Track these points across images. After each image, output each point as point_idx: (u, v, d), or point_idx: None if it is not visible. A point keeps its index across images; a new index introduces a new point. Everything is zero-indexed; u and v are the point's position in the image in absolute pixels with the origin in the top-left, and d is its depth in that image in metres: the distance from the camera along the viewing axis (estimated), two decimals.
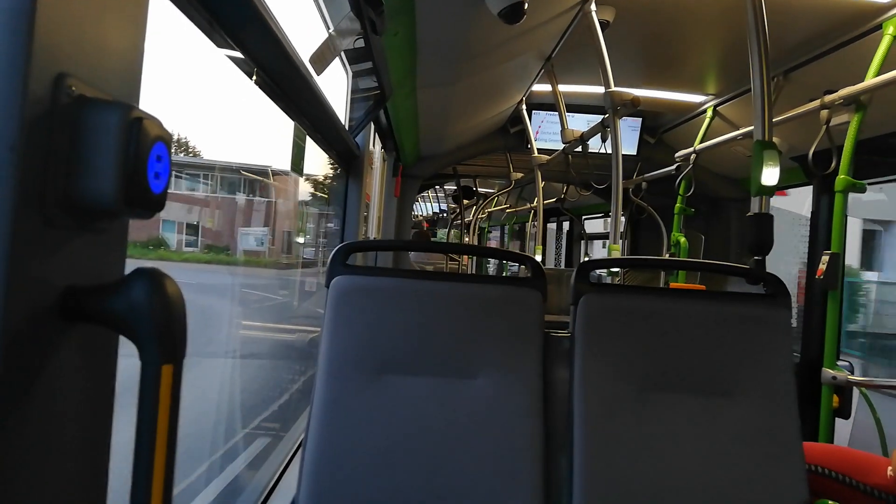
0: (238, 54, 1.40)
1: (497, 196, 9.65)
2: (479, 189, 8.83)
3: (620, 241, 3.08)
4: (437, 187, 10.64)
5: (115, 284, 0.51)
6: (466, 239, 9.67)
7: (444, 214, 13.83)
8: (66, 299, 0.50)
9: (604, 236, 10.33)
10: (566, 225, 10.18)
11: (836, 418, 2.79)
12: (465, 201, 9.70)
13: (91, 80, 0.51)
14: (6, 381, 0.44)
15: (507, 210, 10.68)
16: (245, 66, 1.50)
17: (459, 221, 9.77)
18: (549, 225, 10.20)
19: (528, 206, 9.98)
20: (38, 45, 0.45)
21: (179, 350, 0.52)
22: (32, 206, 0.46)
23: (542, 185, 5.24)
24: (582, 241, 9.41)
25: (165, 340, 0.50)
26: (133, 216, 0.54)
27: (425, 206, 16.21)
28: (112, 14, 0.54)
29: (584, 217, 9.07)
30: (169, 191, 0.55)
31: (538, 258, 5.45)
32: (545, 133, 5.05)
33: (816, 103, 2.78)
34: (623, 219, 5.66)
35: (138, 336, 0.50)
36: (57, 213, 0.48)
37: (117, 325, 0.51)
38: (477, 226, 9.66)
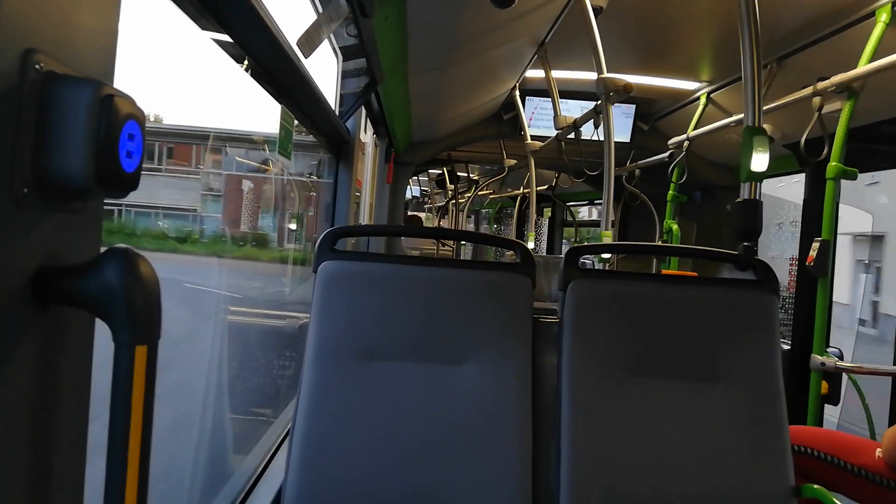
0: (225, 37, 1.38)
1: (486, 182, 9.63)
2: (471, 175, 8.82)
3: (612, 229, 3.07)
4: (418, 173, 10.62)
5: (88, 265, 0.50)
6: (444, 223, 9.64)
7: (419, 199, 13.83)
8: (38, 281, 0.49)
9: (594, 223, 10.33)
10: (547, 211, 10.18)
11: (826, 404, 2.81)
12: (452, 186, 9.69)
13: (61, 57, 0.49)
14: None
15: (491, 196, 10.66)
16: (232, 50, 1.48)
17: (451, 206, 9.77)
18: (527, 211, 10.20)
19: (511, 192, 9.98)
20: (4, 20, 0.44)
21: (154, 331, 0.51)
22: (0, 184, 0.45)
23: (535, 172, 5.22)
24: (573, 229, 9.41)
25: (139, 321, 0.49)
26: (105, 196, 0.53)
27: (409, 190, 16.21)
28: None
29: (569, 204, 9.07)
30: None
31: (531, 245, 5.46)
32: (539, 119, 5.03)
33: (809, 90, 2.77)
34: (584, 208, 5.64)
35: (111, 317, 0.49)
36: (26, 192, 0.47)
37: (91, 306, 0.50)
38: (465, 210, 9.64)
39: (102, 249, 0.53)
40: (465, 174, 8.90)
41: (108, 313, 0.50)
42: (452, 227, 9.94)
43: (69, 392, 0.55)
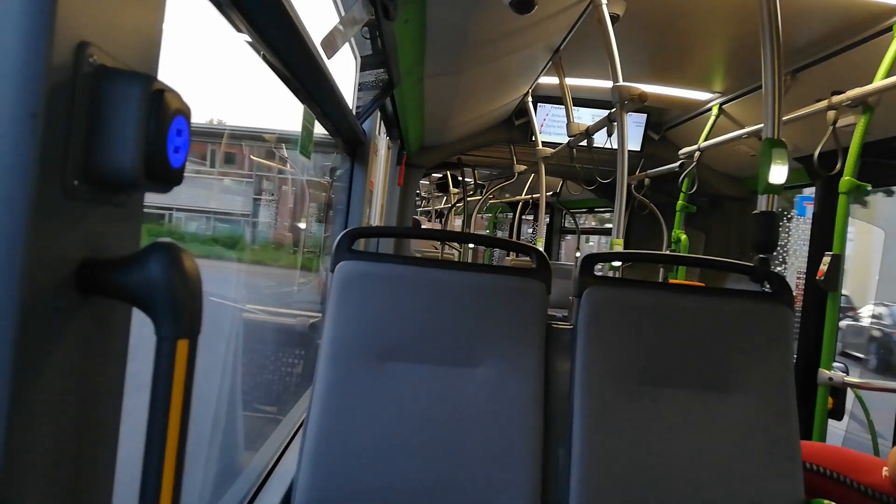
0: (247, 38, 1.39)
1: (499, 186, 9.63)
2: (477, 180, 8.82)
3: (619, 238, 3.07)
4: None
5: (132, 258, 0.50)
6: (433, 224, 9.54)
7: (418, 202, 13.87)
8: (82, 272, 0.50)
9: (600, 231, 10.31)
10: (546, 218, 10.19)
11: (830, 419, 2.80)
12: (455, 190, 9.68)
13: (111, 51, 0.50)
14: (22, 351, 0.44)
15: (491, 201, 10.68)
16: (257, 48, 1.49)
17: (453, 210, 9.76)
18: (526, 217, 10.20)
19: (509, 197, 9.95)
20: (60, 12, 0.44)
21: (195, 325, 0.51)
22: (53, 176, 0.46)
23: (545, 178, 5.23)
24: (577, 236, 9.42)
25: (181, 315, 0.50)
26: (152, 190, 0.54)
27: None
28: None
29: (572, 211, 9.07)
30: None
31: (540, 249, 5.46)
32: (550, 126, 5.04)
33: (824, 104, 2.77)
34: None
35: (154, 310, 0.50)
36: (76, 184, 0.48)
37: (133, 298, 0.50)
38: (475, 213, 9.64)
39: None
40: (471, 179, 8.92)
41: (152, 307, 0.50)
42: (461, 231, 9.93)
43: (107, 381, 0.56)
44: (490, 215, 13.45)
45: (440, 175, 9.18)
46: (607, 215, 9.10)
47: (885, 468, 2.01)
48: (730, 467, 1.52)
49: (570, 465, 1.50)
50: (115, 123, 0.49)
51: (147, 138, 0.49)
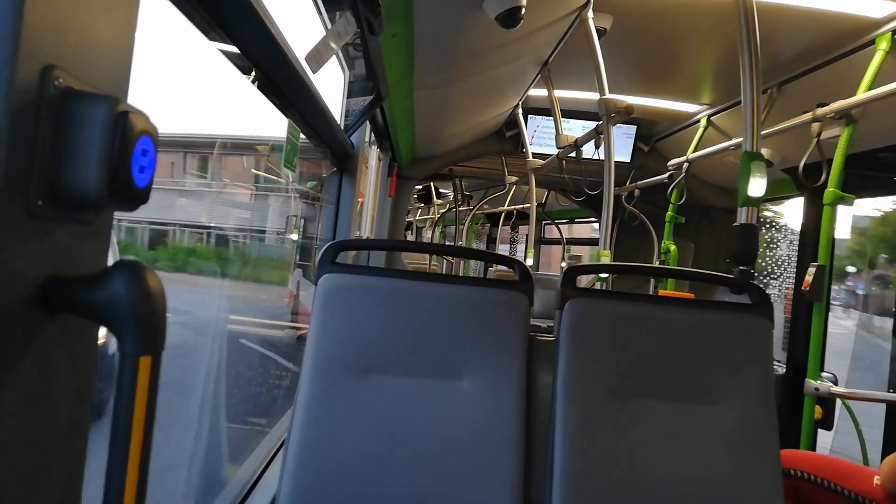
0: (233, 49, 1.41)
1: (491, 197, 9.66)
2: (464, 192, 8.83)
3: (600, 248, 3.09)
4: None
5: (97, 275, 0.51)
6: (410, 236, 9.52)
7: None
8: (47, 289, 0.50)
9: (578, 242, 10.33)
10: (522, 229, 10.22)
11: (819, 429, 2.81)
12: (438, 202, 9.68)
13: (79, 73, 0.51)
14: None
15: (474, 212, 10.72)
16: (239, 62, 1.50)
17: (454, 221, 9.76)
18: (504, 227, 10.23)
19: (487, 209, 9.96)
20: (25, 36, 0.45)
21: (158, 342, 0.52)
22: (16, 196, 0.46)
23: (535, 189, 5.25)
24: (563, 247, 9.44)
25: (144, 331, 0.50)
26: (117, 209, 0.55)
27: None
28: (102, 7, 0.54)
29: (547, 222, 9.08)
30: None
31: (529, 262, 5.47)
32: (540, 138, 5.07)
33: (808, 116, 2.80)
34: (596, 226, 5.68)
35: (117, 327, 0.50)
36: (40, 203, 0.49)
37: (97, 315, 0.51)
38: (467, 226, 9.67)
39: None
40: (450, 191, 8.93)
41: (115, 323, 0.51)
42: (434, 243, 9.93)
43: (71, 399, 0.56)
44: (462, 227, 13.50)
45: (422, 186, 9.19)
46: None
47: (876, 477, 2.03)
48: (710, 478, 1.52)
49: (551, 476, 1.51)
50: (79, 144, 0.50)
51: (110, 159, 0.50)
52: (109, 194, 0.50)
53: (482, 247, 11.46)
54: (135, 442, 0.50)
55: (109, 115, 0.50)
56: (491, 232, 11.02)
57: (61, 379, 0.54)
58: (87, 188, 0.50)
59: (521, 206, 8.11)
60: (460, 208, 8.92)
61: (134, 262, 0.52)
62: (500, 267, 6.50)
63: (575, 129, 4.66)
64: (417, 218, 12.58)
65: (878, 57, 2.58)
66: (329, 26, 1.97)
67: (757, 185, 1.84)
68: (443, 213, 10.25)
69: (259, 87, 1.70)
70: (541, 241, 9.58)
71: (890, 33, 2.54)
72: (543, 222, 9.14)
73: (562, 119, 4.17)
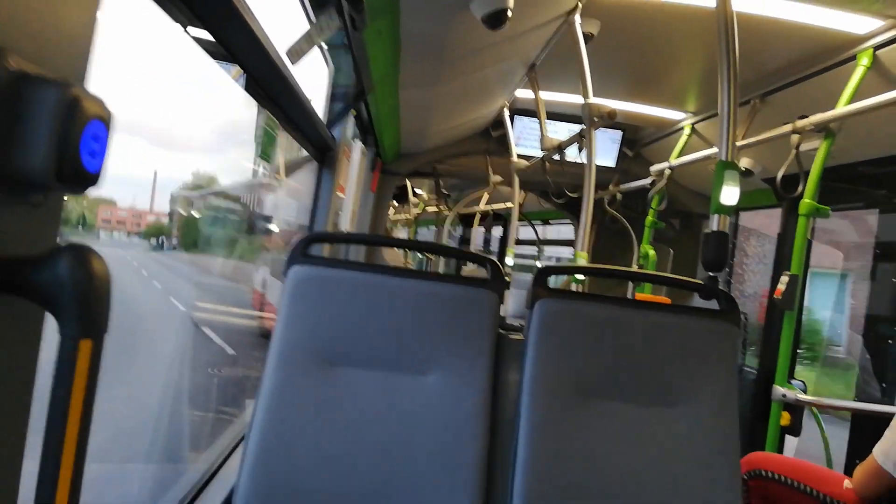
0: (206, 35, 1.40)
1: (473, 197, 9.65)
2: (444, 191, 8.82)
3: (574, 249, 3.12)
4: None
5: (41, 257, 0.51)
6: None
7: None
8: None
9: (554, 243, 10.35)
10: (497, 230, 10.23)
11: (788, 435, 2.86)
12: (416, 200, 9.64)
13: (33, 57, 0.51)
14: None
15: (446, 212, 10.72)
16: (215, 50, 1.50)
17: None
18: (479, 228, 10.26)
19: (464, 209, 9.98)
20: None
21: (100, 326, 0.52)
22: None
23: (518, 190, 5.27)
24: (537, 247, 9.46)
25: (85, 315, 0.50)
26: (65, 192, 0.55)
27: None
28: None
29: (532, 221, 9.10)
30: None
31: (510, 261, 5.49)
32: (526, 139, 5.09)
33: (788, 127, 2.83)
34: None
35: (58, 309, 0.50)
36: None
37: (40, 297, 0.51)
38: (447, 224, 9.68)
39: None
40: (422, 191, 8.89)
41: (56, 306, 0.51)
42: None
43: (13, 381, 0.56)
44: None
45: (397, 186, 9.15)
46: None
47: (846, 481, 2.07)
48: (671, 478, 1.54)
49: (514, 473, 1.52)
50: (27, 127, 0.50)
51: (59, 142, 0.50)
52: (57, 177, 0.51)
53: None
54: (71, 426, 0.50)
55: (60, 99, 0.50)
56: (464, 233, 11.03)
57: (3, 362, 0.54)
58: (34, 170, 0.50)
59: (496, 205, 8.09)
60: (440, 207, 8.92)
61: (79, 245, 0.52)
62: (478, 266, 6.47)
63: (560, 131, 4.67)
64: (391, 217, 12.56)
65: (858, 72, 2.62)
66: (313, 19, 1.97)
67: (729, 194, 1.86)
68: (418, 214, 10.22)
69: (239, 82, 1.70)
70: (515, 241, 9.59)
71: (871, 49, 2.58)
72: (517, 224, 9.15)
73: (547, 121, 4.19)
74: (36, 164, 0.50)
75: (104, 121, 0.54)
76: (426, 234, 11.48)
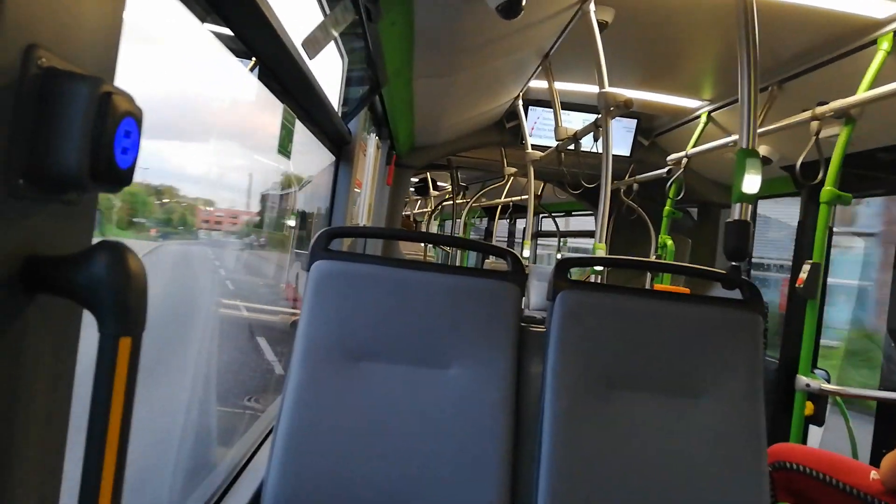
0: (226, 31, 1.40)
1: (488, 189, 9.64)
2: (460, 183, 8.81)
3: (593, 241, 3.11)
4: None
5: (78, 256, 0.51)
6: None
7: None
8: (28, 269, 0.50)
9: (587, 234, 10.34)
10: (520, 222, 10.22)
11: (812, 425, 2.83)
12: (435, 194, 9.64)
13: (63, 53, 0.51)
14: None
15: (471, 205, 10.68)
16: (235, 46, 1.50)
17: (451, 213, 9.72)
18: (502, 221, 10.24)
19: (485, 201, 9.96)
20: (8, 15, 0.45)
21: (138, 324, 0.52)
22: None
23: (534, 181, 5.25)
24: (558, 239, 9.45)
25: (124, 313, 0.50)
26: (99, 190, 0.55)
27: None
28: None
29: (545, 215, 9.07)
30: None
31: (526, 253, 5.47)
32: (540, 129, 5.06)
33: (807, 114, 2.80)
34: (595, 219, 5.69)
35: (97, 307, 0.50)
36: (21, 183, 0.48)
37: (78, 296, 0.51)
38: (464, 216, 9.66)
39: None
40: (448, 183, 8.89)
41: (95, 304, 0.51)
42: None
43: (52, 380, 0.56)
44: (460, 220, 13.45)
45: (418, 178, 9.15)
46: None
47: (872, 472, 2.05)
48: (697, 470, 1.53)
49: (539, 466, 1.52)
50: (61, 124, 0.49)
51: (93, 139, 0.50)
52: (91, 175, 0.50)
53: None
54: (113, 424, 0.50)
55: (93, 95, 0.50)
56: (488, 225, 11.00)
57: (43, 360, 0.54)
58: (69, 168, 0.49)
59: (517, 198, 8.08)
60: (457, 200, 8.91)
61: (115, 242, 0.52)
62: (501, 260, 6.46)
63: (575, 121, 4.65)
64: (416, 211, 12.56)
65: (879, 57, 2.58)
66: (328, 11, 1.96)
67: (751, 182, 1.84)
68: (439, 204, 10.22)
69: (258, 75, 1.69)
70: (538, 233, 9.57)
71: (892, 34, 2.54)
72: (541, 215, 9.13)
73: (562, 111, 4.16)
74: (70, 162, 0.49)
75: (136, 117, 0.54)
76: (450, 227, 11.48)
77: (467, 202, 9.41)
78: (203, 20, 1.37)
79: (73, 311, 0.57)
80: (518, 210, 9.19)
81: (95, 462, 0.50)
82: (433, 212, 10.34)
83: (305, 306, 1.55)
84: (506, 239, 10.80)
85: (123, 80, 0.61)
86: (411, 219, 12.09)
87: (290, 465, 1.44)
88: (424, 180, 9.17)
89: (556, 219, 9.01)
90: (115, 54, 0.60)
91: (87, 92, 0.50)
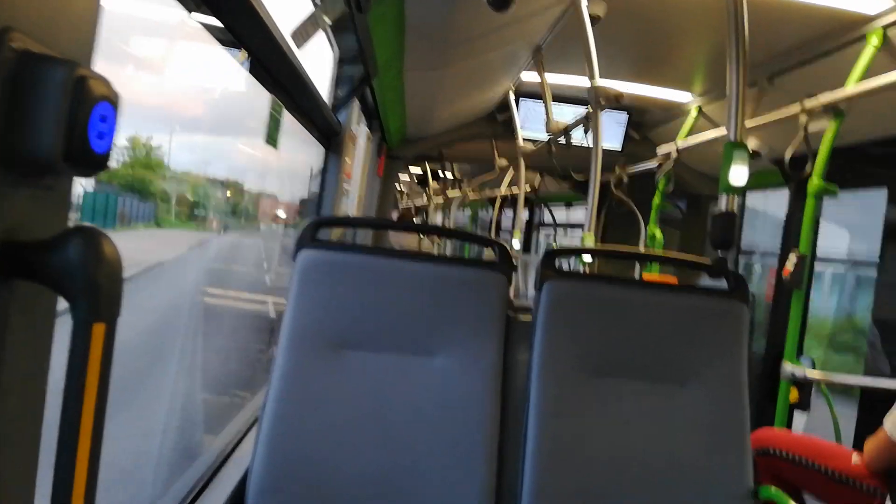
0: (215, 21, 1.40)
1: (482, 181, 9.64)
2: (455, 175, 8.81)
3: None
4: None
5: (52, 241, 0.50)
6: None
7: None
8: (3, 255, 0.50)
9: (573, 226, 10.38)
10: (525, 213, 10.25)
11: (796, 411, 2.87)
12: (435, 185, 9.65)
13: (39, 36, 0.51)
14: None
15: (472, 197, 10.65)
16: (223, 36, 1.50)
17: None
18: (506, 211, 10.23)
19: (488, 193, 9.95)
20: None
21: (113, 309, 0.51)
22: None
23: (524, 173, 5.26)
24: (553, 230, 9.48)
25: (97, 298, 0.50)
26: (74, 174, 0.55)
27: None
28: None
29: (550, 205, 9.09)
30: None
31: (516, 244, 5.49)
32: (532, 122, 5.06)
33: (796, 107, 2.81)
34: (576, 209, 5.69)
35: (70, 293, 0.50)
36: None
37: (52, 281, 0.51)
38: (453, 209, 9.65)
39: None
40: (446, 174, 8.90)
41: (68, 289, 0.50)
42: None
43: (28, 366, 0.55)
44: (469, 211, 13.43)
45: (419, 170, 9.14)
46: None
47: (854, 455, 2.08)
48: (682, 457, 1.55)
49: (524, 454, 1.53)
50: (34, 108, 0.49)
51: (67, 124, 0.49)
52: (66, 159, 0.50)
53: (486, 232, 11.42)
54: (87, 411, 0.50)
55: (67, 79, 0.49)
56: (492, 216, 10.97)
57: (17, 345, 0.53)
58: (43, 152, 0.49)
59: (516, 189, 8.08)
60: (451, 192, 8.91)
61: (89, 227, 0.51)
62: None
63: (566, 114, 4.65)
64: (420, 203, 12.52)
65: (868, 52, 2.59)
66: (318, 3, 1.96)
67: (738, 174, 1.85)
68: (440, 194, 10.20)
69: (248, 69, 1.69)
70: (541, 224, 9.58)
71: (881, 29, 2.55)
72: (544, 206, 9.15)
73: (553, 104, 4.16)
74: (44, 145, 0.49)
75: (112, 102, 0.53)
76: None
77: (460, 195, 9.41)
78: (191, 11, 1.37)
79: (48, 298, 0.57)
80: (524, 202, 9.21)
81: (68, 454, 0.49)
82: (431, 203, 10.32)
83: (291, 295, 1.55)
84: (510, 230, 10.80)
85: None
86: (412, 211, 12.05)
87: (275, 454, 1.44)
88: (425, 172, 9.16)
89: (557, 210, 9.03)
90: (92, 39, 0.59)
91: (62, 76, 0.50)
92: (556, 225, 9.14)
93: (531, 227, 9.67)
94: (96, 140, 0.52)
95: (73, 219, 0.60)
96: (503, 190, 8.02)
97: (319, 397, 1.49)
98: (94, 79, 0.51)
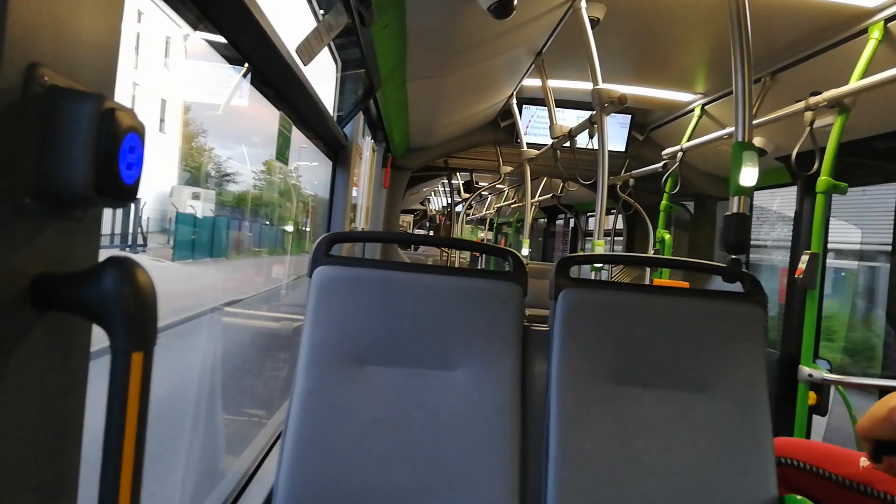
0: (221, 39, 1.40)
1: (507, 191, 9.58)
2: (478, 183, 8.79)
3: (604, 238, 3.11)
4: (444, 181, 10.41)
5: (86, 272, 0.51)
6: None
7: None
8: (37, 288, 0.50)
9: (606, 233, 10.29)
10: (572, 221, 10.20)
11: (815, 415, 2.84)
12: (466, 195, 9.65)
13: (65, 70, 0.51)
14: None
15: (513, 205, 10.52)
16: (229, 53, 1.50)
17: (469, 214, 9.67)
18: (557, 221, 10.18)
19: (517, 203, 9.90)
20: (10, 34, 0.45)
21: (150, 338, 0.52)
22: (3, 194, 0.46)
23: (530, 179, 5.26)
24: (582, 239, 9.41)
25: (135, 327, 0.50)
26: (105, 205, 0.55)
27: (437, 201, 16.48)
28: (88, 4, 0.54)
29: (588, 213, 9.03)
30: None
31: (525, 251, 5.48)
32: (535, 128, 5.07)
33: (801, 105, 2.81)
34: (611, 216, 5.70)
35: (108, 323, 0.50)
36: (28, 201, 0.48)
37: (88, 312, 0.51)
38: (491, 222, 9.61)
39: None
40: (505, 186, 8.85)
41: (106, 320, 0.51)
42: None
43: (65, 398, 0.56)
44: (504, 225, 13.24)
45: (456, 182, 9.09)
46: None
47: (862, 458, 2.05)
48: (704, 465, 1.53)
49: (547, 465, 1.52)
50: (65, 142, 0.49)
51: (97, 156, 0.50)
52: (97, 191, 0.50)
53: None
54: (128, 439, 0.50)
55: (95, 112, 0.50)
56: (548, 227, 10.81)
57: (55, 378, 0.54)
58: (75, 185, 0.50)
59: (546, 196, 7.91)
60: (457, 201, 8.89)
61: (124, 258, 0.52)
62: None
63: (569, 118, 4.66)
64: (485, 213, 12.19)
65: (870, 46, 2.59)
66: (320, 18, 1.97)
67: (749, 175, 1.84)
68: (498, 207, 10.13)
69: (251, 82, 1.69)
70: (586, 235, 9.52)
71: (882, 22, 2.55)
72: (587, 215, 9.09)
73: (556, 109, 4.17)
74: (75, 178, 0.49)
75: (139, 133, 0.54)
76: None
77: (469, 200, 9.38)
78: (196, 28, 1.37)
79: (83, 328, 0.57)
80: (556, 209, 9.07)
81: (113, 477, 0.50)
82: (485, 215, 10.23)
83: (309, 312, 1.55)
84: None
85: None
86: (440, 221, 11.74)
87: (300, 471, 1.44)
88: (470, 180, 9.10)
89: (588, 217, 8.99)
90: (114, 70, 0.60)
91: (90, 109, 0.50)
92: (582, 233, 9.01)
93: (546, 235, 9.61)
94: (126, 171, 0.52)
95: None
96: (537, 197, 7.90)
97: (341, 413, 1.48)
98: (121, 111, 0.52)
